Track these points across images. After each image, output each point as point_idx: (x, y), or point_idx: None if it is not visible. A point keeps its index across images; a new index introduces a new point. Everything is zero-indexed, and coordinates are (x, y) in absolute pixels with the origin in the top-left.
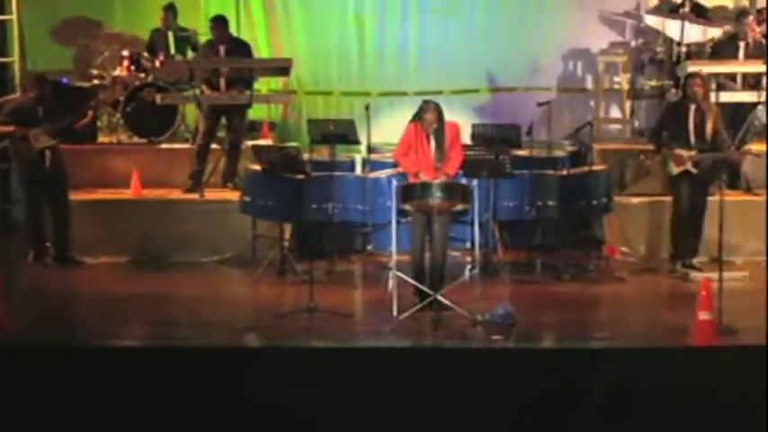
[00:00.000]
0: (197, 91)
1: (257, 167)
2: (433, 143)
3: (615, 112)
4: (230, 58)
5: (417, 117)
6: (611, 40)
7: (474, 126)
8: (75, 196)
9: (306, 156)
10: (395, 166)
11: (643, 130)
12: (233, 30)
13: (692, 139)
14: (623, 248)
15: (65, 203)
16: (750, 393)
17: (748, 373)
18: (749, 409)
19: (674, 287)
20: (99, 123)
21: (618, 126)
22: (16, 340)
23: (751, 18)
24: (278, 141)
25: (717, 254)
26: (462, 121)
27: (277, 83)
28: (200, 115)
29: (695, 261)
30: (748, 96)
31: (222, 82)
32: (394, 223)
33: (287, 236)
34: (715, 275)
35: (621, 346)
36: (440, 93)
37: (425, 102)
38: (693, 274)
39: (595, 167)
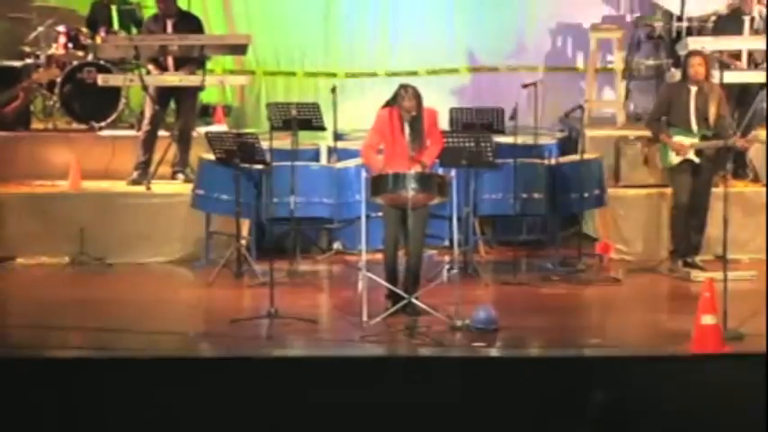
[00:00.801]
0: (143, 71)
1: (211, 157)
2: (408, 131)
3: (609, 95)
4: (180, 35)
5: (393, 102)
6: (605, 15)
7: (452, 110)
8: (5, 189)
9: (265, 144)
10: None
11: (639, 114)
12: (182, 2)
13: (694, 124)
14: (618, 246)
15: None
16: (758, 408)
17: (756, 384)
18: (755, 426)
19: (675, 288)
20: (32, 107)
21: (611, 110)
22: None
23: None
24: (234, 128)
25: (721, 251)
26: (439, 105)
27: (233, 62)
28: (147, 98)
29: (698, 259)
30: (755, 76)
31: (171, 61)
32: (363, 219)
33: (244, 233)
34: (719, 275)
35: (616, 354)
36: (415, 73)
37: (403, 87)
38: (695, 274)
39: (587, 156)
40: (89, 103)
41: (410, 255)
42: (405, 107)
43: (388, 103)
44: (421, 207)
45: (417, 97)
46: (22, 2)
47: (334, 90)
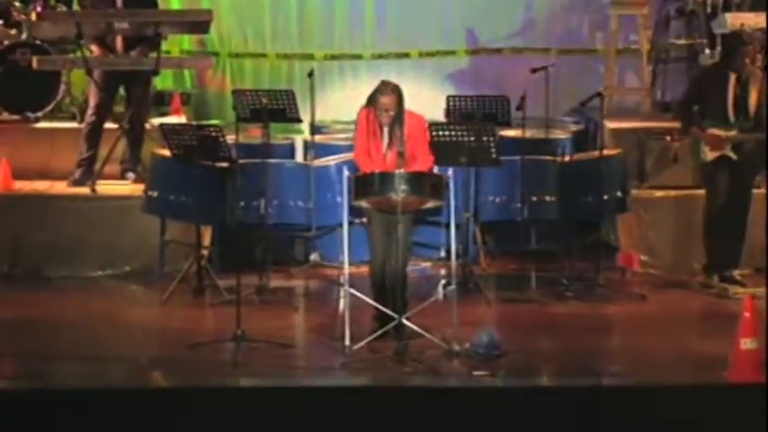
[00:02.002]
0: (86, 52)
1: (166, 153)
2: (386, 138)
3: (632, 81)
4: (130, 10)
5: (371, 100)
6: None
7: (449, 98)
8: None
9: (230, 138)
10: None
11: (668, 103)
12: None
13: (732, 114)
14: (643, 257)
15: None
16: None
17: None
18: None
19: (709, 307)
20: None
21: (636, 98)
22: None
23: None
24: (193, 119)
25: (764, 263)
26: (435, 92)
27: (192, 42)
28: (91, 84)
29: (736, 273)
30: None
31: (119, 41)
32: (345, 225)
33: (206, 242)
34: (761, 291)
35: (641, 383)
36: (406, 55)
37: (382, 82)
38: (734, 290)
39: (606, 152)
40: (23, 89)
41: (399, 267)
42: (380, 103)
43: (367, 104)
44: (412, 211)
45: (397, 94)
46: None
47: (311, 75)
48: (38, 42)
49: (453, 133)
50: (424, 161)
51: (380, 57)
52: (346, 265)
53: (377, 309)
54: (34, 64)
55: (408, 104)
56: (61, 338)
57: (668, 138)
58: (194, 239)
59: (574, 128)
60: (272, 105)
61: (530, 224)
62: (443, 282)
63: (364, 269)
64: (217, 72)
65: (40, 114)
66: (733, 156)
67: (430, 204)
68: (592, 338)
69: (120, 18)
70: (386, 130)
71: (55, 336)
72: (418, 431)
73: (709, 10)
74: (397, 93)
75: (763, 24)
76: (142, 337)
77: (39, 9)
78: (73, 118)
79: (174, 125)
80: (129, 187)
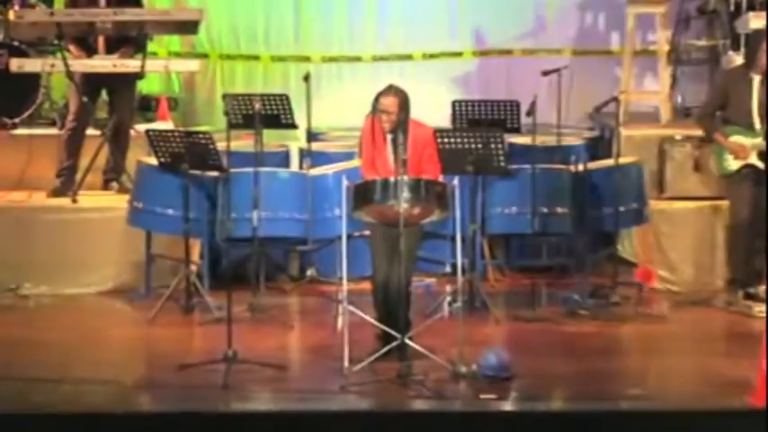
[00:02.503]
0: (67, 54)
1: (153, 161)
2: (389, 146)
3: (650, 84)
4: (113, 9)
5: (373, 108)
6: None
7: (455, 103)
8: None
9: (221, 145)
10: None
11: (689, 108)
12: None
13: (757, 120)
14: (662, 272)
15: None
16: None
17: None
18: None
19: (733, 326)
20: None
21: (654, 103)
22: None
23: None
24: (182, 125)
25: None
26: (439, 97)
27: (180, 43)
28: (72, 89)
29: (761, 289)
30: None
31: (102, 42)
32: (344, 238)
33: (195, 257)
34: None
35: (660, 408)
36: (408, 57)
37: (389, 86)
38: (759, 308)
39: (623, 160)
40: (0, 94)
41: (402, 283)
42: (380, 105)
43: (372, 107)
44: (416, 223)
45: (401, 98)
46: None
47: (307, 78)
48: (15, 44)
49: (459, 140)
50: (432, 170)
51: (382, 59)
52: (345, 282)
53: (379, 328)
54: (12, 67)
55: (411, 110)
56: (39, 360)
57: (689, 145)
58: (182, 254)
59: (588, 134)
60: (266, 111)
61: (541, 237)
62: (449, 299)
63: (364, 285)
64: (206, 75)
65: (17, 120)
66: (759, 164)
67: (435, 216)
68: (607, 360)
69: (104, 18)
70: (389, 139)
71: (32, 357)
72: None
73: (732, 8)
74: (399, 96)
75: None
76: (127, 358)
77: (17, 8)
78: (53, 124)
79: (160, 132)
80: (112, 198)
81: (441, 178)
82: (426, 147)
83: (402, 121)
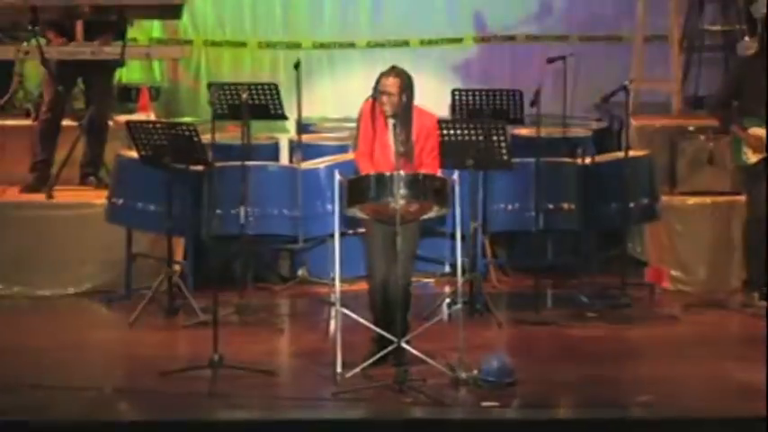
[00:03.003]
0: (42, 41)
1: (133, 154)
2: (391, 131)
3: (662, 72)
4: None
5: (374, 91)
6: None
7: (455, 92)
8: None
9: (206, 137)
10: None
11: (703, 97)
12: None
13: None
14: (674, 272)
15: None
16: None
17: None
18: None
19: (749, 329)
20: None
21: (666, 92)
22: None
23: None
24: (164, 116)
25: None
26: (438, 86)
27: (162, 29)
28: (47, 77)
29: None
30: None
31: (79, 28)
32: (337, 237)
33: (179, 256)
34: None
35: (672, 415)
36: (405, 44)
37: (391, 67)
38: None
39: (633, 153)
40: None
41: (399, 284)
42: (381, 85)
43: (373, 91)
44: (413, 221)
45: (403, 79)
46: None
47: (297, 66)
48: None
49: (459, 132)
50: (428, 168)
51: (376, 45)
52: (338, 282)
53: (373, 331)
54: None
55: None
56: (13, 366)
57: (703, 137)
58: (165, 253)
59: (595, 126)
60: (253, 100)
61: (546, 235)
62: (448, 300)
63: (358, 286)
64: (190, 63)
65: None
66: None
67: (433, 213)
68: (616, 365)
69: (81, 1)
70: (391, 124)
71: (5, 363)
72: None
73: None
74: (402, 77)
75: None
76: (106, 363)
77: None
78: (27, 115)
79: (141, 123)
80: (90, 194)
81: (439, 173)
82: (429, 137)
83: (405, 106)
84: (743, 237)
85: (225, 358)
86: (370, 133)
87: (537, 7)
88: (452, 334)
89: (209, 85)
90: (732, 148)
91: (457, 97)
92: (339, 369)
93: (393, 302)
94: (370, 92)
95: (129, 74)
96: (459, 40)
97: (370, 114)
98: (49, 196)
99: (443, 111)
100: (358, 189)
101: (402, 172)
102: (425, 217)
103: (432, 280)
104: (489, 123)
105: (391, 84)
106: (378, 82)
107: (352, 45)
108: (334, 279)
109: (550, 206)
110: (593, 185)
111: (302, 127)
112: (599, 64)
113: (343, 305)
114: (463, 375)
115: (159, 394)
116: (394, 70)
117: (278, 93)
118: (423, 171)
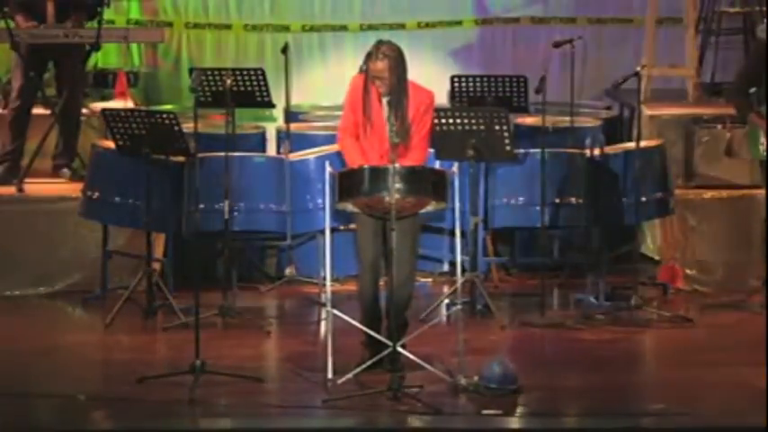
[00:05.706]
0: (10, 23)
1: (109, 145)
2: (385, 108)
3: (676, 57)
4: None
5: (365, 66)
6: None
7: (454, 79)
8: None
9: (187, 126)
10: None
11: (720, 84)
12: None
13: None
14: (689, 271)
15: None
16: None
17: None
18: None
19: None
20: None
21: (680, 78)
22: None
23: None
24: (143, 103)
25: None
26: (436, 71)
27: (140, 10)
28: (17, 62)
29: None
30: None
31: (50, 9)
32: (328, 233)
33: (158, 254)
34: None
35: (686, 424)
36: (401, 27)
37: (379, 42)
38: None
39: (645, 144)
40: None
41: (394, 284)
42: (374, 68)
43: (361, 69)
44: (409, 216)
45: (394, 56)
46: None
47: (285, 50)
48: None
49: (459, 121)
50: (416, 151)
51: (370, 28)
52: (328, 282)
53: (367, 334)
54: None
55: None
56: None
57: (720, 126)
58: (144, 250)
59: (605, 114)
60: (238, 87)
61: (552, 232)
62: (447, 301)
63: (350, 286)
64: (171, 47)
65: None
66: None
67: (430, 207)
68: (627, 371)
69: None
70: (386, 102)
71: None
72: None
73: None
74: (390, 57)
75: None
76: (80, 369)
77: None
78: None
79: (118, 111)
80: (63, 187)
81: (425, 153)
82: (426, 113)
83: (399, 83)
84: (762, 233)
85: (207, 363)
86: (359, 111)
87: None
88: (451, 337)
89: (191, 71)
90: (748, 138)
91: (456, 84)
92: (330, 375)
93: (387, 303)
94: None
95: (105, 58)
96: (458, 23)
97: (361, 88)
98: (20, 189)
99: (442, 98)
100: (350, 182)
101: (398, 164)
102: (423, 212)
103: (429, 279)
104: (491, 112)
105: (380, 69)
106: (366, 64)
107: (344, 28)
108: (324, 278)
109: (557, 200)
110: (602, 178)
111: (290, 115)
112: (609, 48)
113: (333, 306)
114: (463, 381)
115: (137, 402)
116: (380, 52)
117: (265, 79)
118: (409, 155)
